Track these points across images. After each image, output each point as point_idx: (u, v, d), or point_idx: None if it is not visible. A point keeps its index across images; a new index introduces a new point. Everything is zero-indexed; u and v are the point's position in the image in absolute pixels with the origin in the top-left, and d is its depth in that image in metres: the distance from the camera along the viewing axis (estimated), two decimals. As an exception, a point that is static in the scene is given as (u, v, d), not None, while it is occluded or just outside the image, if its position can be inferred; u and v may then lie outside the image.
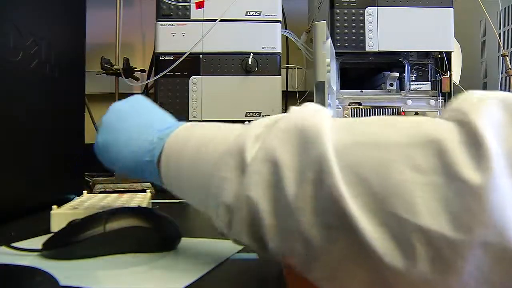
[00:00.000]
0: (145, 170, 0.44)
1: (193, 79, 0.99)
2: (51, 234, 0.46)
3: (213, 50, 1.00)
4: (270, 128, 0.33)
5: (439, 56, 1.05)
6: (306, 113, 0.32)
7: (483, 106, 0.27)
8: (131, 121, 0.47)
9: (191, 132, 0.42)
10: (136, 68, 1.16)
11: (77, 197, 0.72)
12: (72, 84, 0.86)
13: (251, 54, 0.99)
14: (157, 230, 0.46)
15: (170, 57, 0.98)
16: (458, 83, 1.09)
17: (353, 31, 1.00)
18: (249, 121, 1.05)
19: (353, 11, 1.00)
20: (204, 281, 0.37)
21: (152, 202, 0.75)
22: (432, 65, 1.06)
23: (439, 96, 1.06)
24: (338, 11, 1.00)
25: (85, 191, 0.75)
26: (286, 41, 1.20)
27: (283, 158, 0.30)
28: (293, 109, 0.34)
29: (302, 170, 0.29)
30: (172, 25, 0.99)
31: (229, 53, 1.00)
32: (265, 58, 1.01)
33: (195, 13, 0.99)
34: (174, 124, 0.46)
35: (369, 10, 1.00)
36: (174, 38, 0.99)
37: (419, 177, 0.26)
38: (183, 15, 0.99)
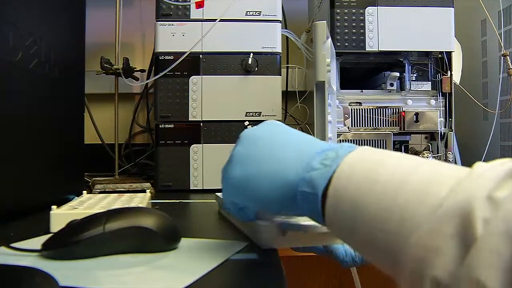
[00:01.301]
0: (297, 203, 0.37)
1: (193, 79, 0.99)
2: (50, 234, 0.46)
3: (213, 50, 0.99)
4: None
5: (440, 56, 1.05)
6: None
7: None
8: (274, 149, 0.40)
9: (371, 164, 0.33)
10: (136, 68, 1.16)
11: (76, 197, 0.72)
12: (71, 84, 0.86)
13: (251, 54, 0.99)
14: (157, 230, 0.45)
15: (170, 57, 0.98)
16: (458, 83, 1.09)
17: (353, 31, 1.00)
18: (249, 121, 1.04)
19: (353, 10, 1.00)
20: (204, 281, 0.37)
21: (152, 202, 0.75)
22: (432, 65, 1.06)
23: (439, 96, 1.06)
24: (338, 10, 1.00)
25: (84, 191, 0.75)
26: (286, 41, 1.19)
27: None
28: None
29: None
30: (172, 25, 0.99)
31: (229, 53, 1.00)
32: (265, 58, 1.00)
33: (195, 13, 0.99)
34: (332, 147, 0.37)
35: (370, 10, 1.00)
36: (174, 38, 0.98)
37: None
38: (183, 15, 0.99)
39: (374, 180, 0.31)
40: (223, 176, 0.45)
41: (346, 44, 1.00)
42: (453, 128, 1.03)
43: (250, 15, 1.00)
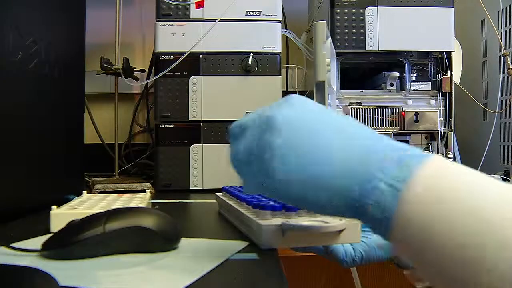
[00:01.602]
0: (356, 214, 0.33)
1: (193, 79, 0.99)
2: (50, 234, 0.46)
3: (213, 50, 0.99)
4: None
5: (440, 56, 1.05)
6: None
7: None
8: (326, 147, 0.34)
9: (446, 184, 0.30)
10: (136, 68, 1.16)
11: (76, 197, 0.72)
12: (71, 84, 0.86)
13: (251, 54, 0.99)
14: (157, 230, 0.45)
15: (170, 57, 0.98)
16: (458, 83, 1.09)
17: (353, 30, 0.99)
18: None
19: (353, 10, 1.00)
20: (204, 281, 0.37)
21: (152, 202, 0.75)
22: (432, 65, 1.06)
23: (439, 96, 1.06)
24: (338, 10, 1.00)
25: (84, 191, 0.75)
26: (286, 41, 1.19)
27: None
28: None
29: None
30: (172, 24, 0.99)
31: (229, 53, 1.00)
32: (265, 58, 1.00)
33: (195, 12, 0.99)
34: (400, 156, 0.32)
35: (369, 9, 0.99)
36: (174, 38, 0.98)
37: None
38: (183, 15, 0.99)
39: (448, 208, 0.29)
40: (262, 175, 0.35)
41: (346, 44, 1.00)
42: (453, 128, 1.03)
43: (250, 15, 1.00)
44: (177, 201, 0.86)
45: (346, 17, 1.00)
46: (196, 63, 0.99)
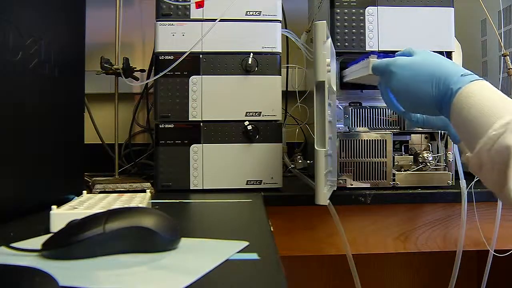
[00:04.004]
0: (438, 102, 0.68)
1: (193, 79, 0.99)
2: (50, 234, 0.46)
3: (213, 50, 0.99)
4: None
5: (440, 56, 1.05)
6: None
7: None
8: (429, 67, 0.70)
9: (483, 93, 0.62)
10: (136, 67, 1.16)
11: (76, 197, 0.72)
12: (71, 84, 0.86)
13: (251, 54, 0.99)
14: (157, 230, 0.45)
15: (170, 57, 0.98)
16: (458, 83, 1.09)
17: (353, 30, 0.99)
18: (249, 121, 1.06)
19: (353, 10, 1.00)
20: (204, 281, 0.37)
21: (152, 202, 0.75)
22: (432, 65, 1.06)
23: (439, 96, 1.05)
24: (338, 10, 1.00)
25: (84, 191, 0.75)
26: (286, 41, 1.19)
27: None
28: None
29: None
30: (172, 24, 0.99)
31: (229, 53, 1.00)
32: (265, 58, 1.00)
33: (195, 12, 0.99)
34: (466, 73, 0.67)
35: (370, 9, 0.99)
36: (174, 37, 0.98)
37: None
38: (183, 15, 0.99)
39: (473, 103, 0.62)
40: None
41: (346, 44, 1.00)
42: (453, 128, 1.03)
43: (250, 15, 1.00)
44: (177, 201, 0.86)
45: (346, 17, 1.00)
46: (196, 63, 0.99)
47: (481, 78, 0.65)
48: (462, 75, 0.65)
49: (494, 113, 0.57)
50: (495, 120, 0.56)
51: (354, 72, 0.93)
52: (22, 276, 0.34)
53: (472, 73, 0.66)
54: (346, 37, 1.00)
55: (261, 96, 1.00)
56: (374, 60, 0.80)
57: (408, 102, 0.74)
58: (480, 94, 0.61)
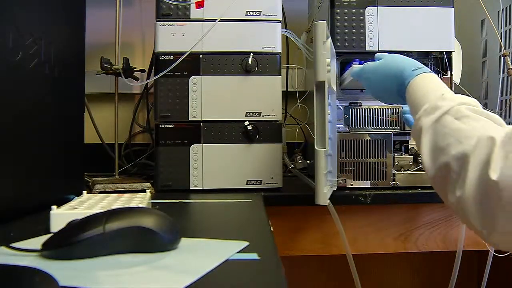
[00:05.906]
0: (399, 90, 0.79)
1: (193, 79, 0.99)
2: (50, 234, 0.46)
3: (213, 50, 0.99)
4: None
5: (440, 56, 1.05)
6: None
7: None
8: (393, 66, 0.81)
9: (428, 83, 0.73)
10: (136, 68, 1.16)
11: (76, 197, 0.72)
12: (71, 84, 0.86)
13: (251, 54, 0.99)
14: (157, 230, 0.45)
15: (170, 57, 0.98)
16: (458, 83, 1.09)
17: (353, 31, 0.99)
18: (249, 121, 1.06)
19: (354, 10, 1.00)
20: (204, 281, 0.37)
21: (152, 202, 0.75)
22: (432, 65, 1.06)
23: (439, 96, 1.05)
24: (338, 10, 1.00)
25: (84, 191, 0.75)
26: (286, 41, 1.19)
27: None
28: None
29: None
30: (172, 24, 0.99)
31: (229, 53, 1.00)
32: (265, 58, 1.00)
33: (195, 12, 0.99)
34: (418, 67, 0.77)
35: (370, 9, 0.99)
36: (174, 37, 0.98)
37: None
38: (183, 15, 0.99)
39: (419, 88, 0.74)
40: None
41: (346, 44, 1.00)
42: (453, 128, 1.03)
43: (250, 15, 1.00)
44: (177, 201, 0.86)
45: (346, 17, 1.00)
46: (196, 63, 0.99)
47: (429, 71, 0.75)
48: (413, 70, 0.76)
49: (423, 101, 0.69)
50: (420, 108, 0.68)
51: (345, 79, 0.98)
52: (22, 276, 0.34)
53: (423, 67, 0.76)
54: (346, 37, 1.00)
55: (261, 96, 1.00)
56: (356, 67, 0.90)
57: (384, 99, 0.88)
58: (421, 85, 0.74)
